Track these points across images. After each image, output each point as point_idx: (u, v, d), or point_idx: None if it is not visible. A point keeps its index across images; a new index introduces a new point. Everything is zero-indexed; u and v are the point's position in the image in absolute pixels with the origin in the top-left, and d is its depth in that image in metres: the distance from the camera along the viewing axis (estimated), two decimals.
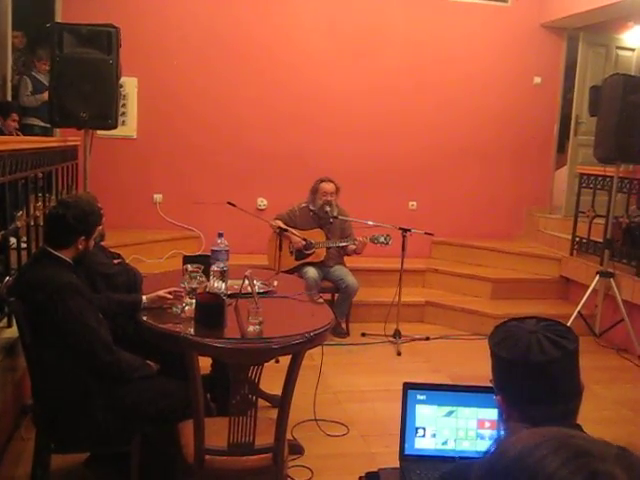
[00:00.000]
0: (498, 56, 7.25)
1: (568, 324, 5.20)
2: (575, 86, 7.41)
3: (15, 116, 5.90)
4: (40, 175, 4.34)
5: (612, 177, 5.85)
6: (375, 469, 2.23)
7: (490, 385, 1.52)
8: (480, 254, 6.98)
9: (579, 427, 1.41)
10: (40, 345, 2.66)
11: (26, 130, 6.28)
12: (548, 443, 0.76)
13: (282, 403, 2.58)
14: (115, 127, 4.99)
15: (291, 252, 5.53)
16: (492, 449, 0.82)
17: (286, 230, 5.40)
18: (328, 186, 5.53)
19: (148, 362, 2.88)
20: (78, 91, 4.68)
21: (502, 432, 2.05)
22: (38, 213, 4.04)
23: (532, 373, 1.40)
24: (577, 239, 6.49)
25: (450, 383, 3.99)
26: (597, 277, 5.76)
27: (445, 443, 2.18)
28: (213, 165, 6.78)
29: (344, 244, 5.55)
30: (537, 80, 7.42)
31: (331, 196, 5.54)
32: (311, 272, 5.41)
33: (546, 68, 7.43)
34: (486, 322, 5.71)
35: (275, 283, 3.77)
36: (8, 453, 3.23)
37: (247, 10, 6.70)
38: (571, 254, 6.53)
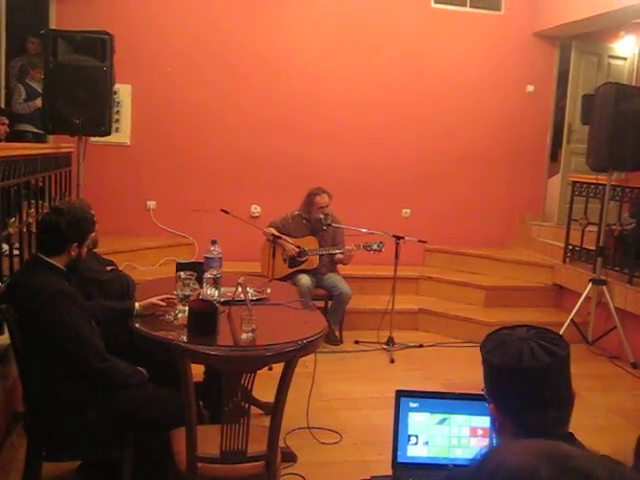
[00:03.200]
0: (491, 64, 7.28)
1: (561, 332, 5.21)
2: (568, 94, 7.46)
3: (4, 120, 5.87)
4: (33, 182, 4.33)
5: (604, 185, 5.87)
6: (368, 477, 2.23)
7: (482, 393, 1.52)
8: (473, 262, 6.99)
9: (572, 435, 1.41)
10: (32, 352, 2.65)
11: (19, 136, 6.26)
12: (547, 465, 0.77)
13: (275, 411, 2.57)
14: (108, 134, 4.99)
15: (284, 259, 5.53)
16: (483, 456, 0.83)
17: (279, 237, 5.40)
18: (323, 199, 5.54)
19: (140, 369, 2.87)
20: (72, 98, 4.69)
21: (495, 440, 2.06)
22: (31, 220, 4.03)
23: (524, 380, 1.40)
24: (570, 247, 6.51)
25: (443, 391, 3.99)
26: (590, 285, 5.77)
27: (438, 451, 2.18)
28: (207, 172, 6.78)
29: (336, 252, 5.55)
30: (530, 88, 7.45)
31: (327, 208, 5.56)
32: (304, 279, 5.41)
33: (539, 76, 7.47)
34: (479, 330, 5.71)
35: (268, 290, 3.76)
36: None
37: (241, 19, 6.71)
38: (564, 262, 6.55)
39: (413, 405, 2.20)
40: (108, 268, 3.76)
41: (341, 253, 5.53)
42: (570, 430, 1.44)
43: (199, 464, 2.48)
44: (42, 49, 4.88)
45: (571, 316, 5.77)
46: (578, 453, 0.78)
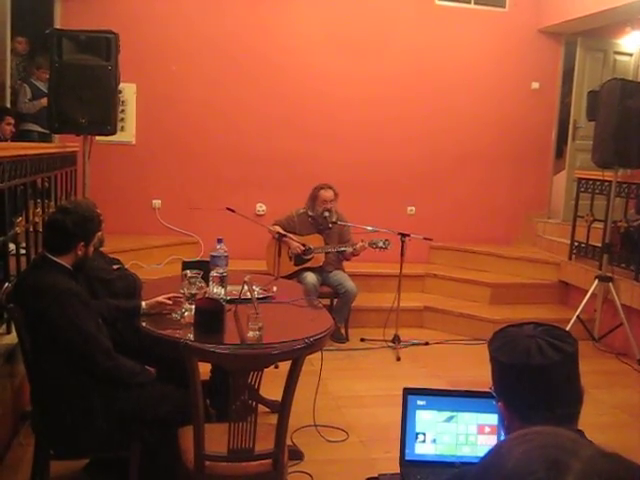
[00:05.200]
0: (496, 62, 7.27)
1: (567, 328, 5.19)
2: (573, 91, 7.44)
3: (10, 119, 5.88)
4: (39, 181, 4.34)
5: (610, 182, 5.86)
6: (375, 475, 2.23)
7: (489, 390, 1.52)
8: (479, 259, 6.98)
9: (580, 432, 1.40)
10: (39, 351, 2.66)
11: (24, 136, 6.28)
12: (524, 438, 0.77)
13: (282, 409, 2.58)
14: (114, 133, 5.00)
15: (290, 257, 5.53)
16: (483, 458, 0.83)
17: (285, 236, 5.40)
18: (327, 194, 5.54)
19: (147, 368, 2.88)
20: (77, 97, 4.70)
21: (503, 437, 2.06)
22: (37, 219, 4.04)
23: (532, 377, 1.40)
24: (576, 244, 6.50)
25: (450, 388, 3.99)
26: (596, 281, 5.76)
27: (445, 448, 2.18)
28: (212, 171, 6.79)
29: (343, 249, 5.55)
30: (535, 85, 7.44)
31: (331, 203, 5.55)
32: (310, 277, 5.41)
33: (544, 73, 7.46)
34: (485, 327, 5.71)
35: (274, 288, 3.77)
36: (7, 460, 3.22)
37: (245, 17, 6.71)
38: (570, 259, 6.54)
39: (420, 403, 2.19)
40: (114, 267, 3.77)
41: (349, 250, 5.51)
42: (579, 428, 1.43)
43: (207, 462, 2.49)
44: (47, 49, 4.87)
45: (577, 313, 5.76)
46: (580, 450, 0.77)
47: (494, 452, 0.81)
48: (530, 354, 1.40)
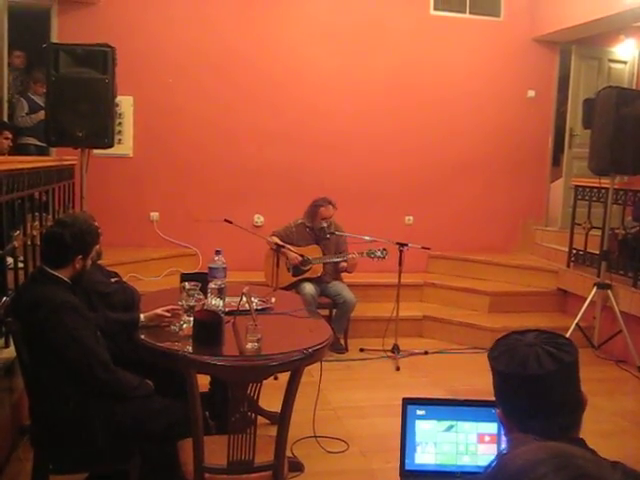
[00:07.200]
0: (491, 71, 7.30)
1: (566, 336, 5.19)
2: (569, 99, 7.47)
3: (7, 134, 5.89)
4: (37, 195, 4.34)
5: (607, 189, 5.87)
6: None
7: (488, 399, 1.52)
8: (477, 268, 6.98)
9: (582, 441, 1.40)
10: (38, 365, 2.66)
11: (22, 150, 6.28)
12: (550, 461, 0.75)
13: (281, 420, 2.57)
14: (111, 146, 5.00)
15: (288, 268, 5.53)
16: (494, 462, 0.82)
17: (283, 246, 5.40)
18: (327, 211, 5.54)
19: (146, 381, 2.87)
20: (74, 110, 4.71)
21: (505, 445, 2.05)
22: (35, 233, 4.04)
23: (528, 386, 1.40)
24: (574, 251, 6.50)
25: (449, 397, 3.99)
26: (594, 289, 5.76)
27: (445, 458, 2.18)
28: (209, 182, 6.80)
29: (340, 260, 5.55)
30: (531, 94, 7.47)
31: (331, 219, 5.56)
32: (308, 288, 5.41)
33: (539, 82, 7.49)
34: (484, 335, 5.71)
35: (273, 300, 3.76)
36: (6, 474, 3.20)
37: (242, 30, 6.73)
38: (568, 266, 6.54)
39: (420, 412, 2.19)
40: (112, 280, 3.76)
41: (344, 261, 5.53)
42: (580, 436, 1.42)
43: (206, 475, 2.48)
44: (44, 63, 4.89)
45: (576, 321, 5.76)
46: (583, 454, 0.77)
47: (516, 478, 0.78)
48: (527, 364, 1.40)
